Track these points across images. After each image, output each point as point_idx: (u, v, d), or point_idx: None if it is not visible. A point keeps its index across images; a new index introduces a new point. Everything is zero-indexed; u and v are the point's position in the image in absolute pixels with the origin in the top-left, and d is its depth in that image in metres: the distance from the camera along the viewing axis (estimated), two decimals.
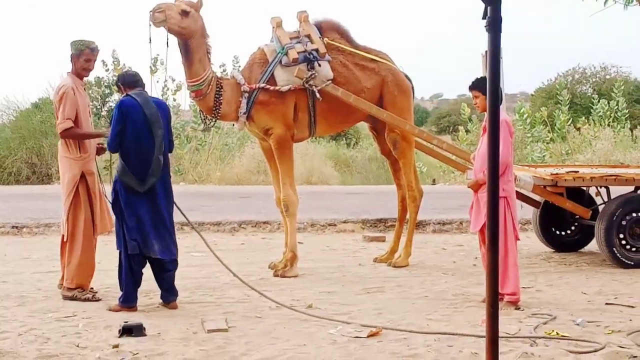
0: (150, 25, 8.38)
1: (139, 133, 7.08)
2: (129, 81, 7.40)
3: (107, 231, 7.87)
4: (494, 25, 3.44)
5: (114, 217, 7.37)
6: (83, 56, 7.68)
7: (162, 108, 7.34)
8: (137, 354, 5.66)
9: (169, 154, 7.51)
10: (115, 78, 23.89)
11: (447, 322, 6.60)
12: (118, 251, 7.19)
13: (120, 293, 7.12)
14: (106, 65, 24.10)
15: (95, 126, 7.90)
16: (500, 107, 7.04)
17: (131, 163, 7.09)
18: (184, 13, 8.40)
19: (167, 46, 8.60)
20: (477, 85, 7.56)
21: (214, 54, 8.82)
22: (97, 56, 7.84)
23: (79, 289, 7.51)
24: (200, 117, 9.46)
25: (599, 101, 26.50)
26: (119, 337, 6.07)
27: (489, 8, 3.42)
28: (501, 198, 7.08)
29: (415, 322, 6.57)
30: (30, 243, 11.68)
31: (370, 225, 13.27)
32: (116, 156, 7.39)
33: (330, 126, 9.72)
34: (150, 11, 8.32)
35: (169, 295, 7.22)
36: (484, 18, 3.46)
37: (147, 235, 7.07)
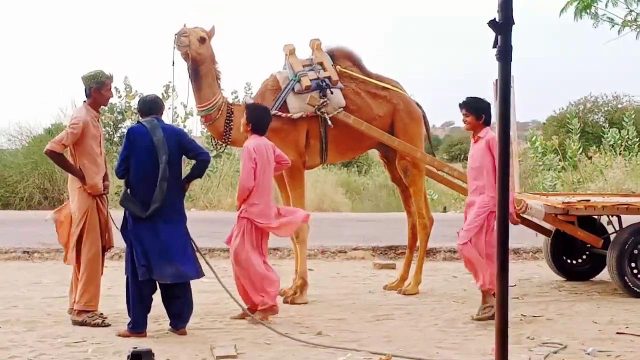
0: (174, 48, 8.49)
1: (144, 160, 7.13)
2: (142, 109, 7.51)
3: (111, 246, 7.91)
4: (504, 54, 3.45)
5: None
6: (105, 87, 7.73)
7: (171, 133, 7.34)
8: None
9: (208, 164, 7.67)
10: (127, 103, 24.14)
11: (457, 350, 6.57)
12: (126, 276, 7.21)
13: (130, 318, 7.13)
14: (119, 92, 24.20)
15: (107, 152, 7.95)
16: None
17: (136, 189, 7.15)
18: (202, 40, 8.52)
19: (173, 64, 8.67)
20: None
21: (225, 80, 8.90)
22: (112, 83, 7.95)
23: (89, 314, 7.52)
24: (212, 142, 9.50)
25: (609, 130, 26.47)
26: None
27: (499, 37, 3.44)
28: (243, 219, 7.67)
29: (425, 350, 6.54)
30: (40, 268, 11.71)
31: (381, 253, 13.25)
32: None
33: (341, 153, 9.75)
34: (176, 34, 8.42)
35: (178, 321, 7.22)
36: (494, 47, 3.47)
37: (155, 260, 7.07)
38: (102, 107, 8.00)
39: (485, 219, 7.74)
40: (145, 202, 7.08)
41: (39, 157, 22.87)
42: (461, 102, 8.03)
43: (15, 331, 7.25)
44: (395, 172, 9.77)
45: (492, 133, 7.79)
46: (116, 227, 7.75)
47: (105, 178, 7.80)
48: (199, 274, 7.34)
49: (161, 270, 7.08)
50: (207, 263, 7.81)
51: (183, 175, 7.44)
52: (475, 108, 7.86)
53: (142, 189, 7.12)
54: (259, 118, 7.91)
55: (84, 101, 7.79)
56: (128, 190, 7.21)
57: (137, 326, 7.09)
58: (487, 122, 7.93)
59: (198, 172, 7.60)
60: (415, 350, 6.51)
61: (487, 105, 8.02)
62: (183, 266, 7.20)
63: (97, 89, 7.69)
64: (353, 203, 23.74)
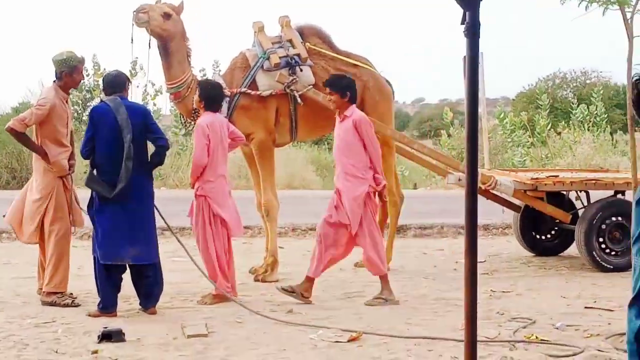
0: (132, 25, 8.38)
1: (109, 139, 7.07)
2: (105, 86, 7.44)
3: (81, 226, 7.85)
4: (473, 30, 3.44)
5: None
6: (76, 71, 7.67)
7: (135, 112, 7.26)
8: (116, 359, 5.64)
9: (166, 151, 7.54)
10: (96, 81, 23.89)
11: (427, 326, 6.61)
12: (93, 256, 7.17)
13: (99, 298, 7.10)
14: (87, 70, 23.94)
15: (76, 130, 7.88)
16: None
17: (101, 169, 7.10)
18: (166, 15, 8.42)
19: (149, 48, 8.58)
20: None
21: (194, 57, 8.82)
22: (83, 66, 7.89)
23: (58, 295, 7.47)
24: (181, 121, 9.44)
25: (578, 106, 26.63)
26: (98, 342, 6.05)
27: (467, 13, 3.42)
28: (199, 197, 7.62)
29: (396, 326, 6.58)
30: (10, 248, 11.58)
31: None
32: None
33: (311, 131, 9.73)
34: (134, 11, 8.33)
35: (148, 301, 7.20)
36: (462, 23, 3.46)
37: (119, 241, 7.02)
38: (74, 88, 7.90)
39: (364, 206, 7.60)
40: (111, 182, 7.01)
41: (6, 136, 22.59)
42: (325, 82, 7.97)
43: None
44: None
45: (358, 112, 7.70)
46: (80, 207, 7.71)
47: (71, 157, 7.73)
48: (154, 258, 7.27)
49: (126, 252, 7.04)
50: (180, 241, 7.80)
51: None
52: (338, 86, 7.64)
53: (108, 168, 7.06)
54: (211, 94, 7.79)
55: (54, 81, 7.69)
56: (94, 171, 7.14)
57: (107, 306, 7.06)
58: (353, 100, 7.71)
59: (157, 158, 7.46)
60: (386, 327, 6.54)
61: (350, 83, 7.80)
62: (146, 247, 7.17)
63: (69, 73, 7.61)
64: (324, 180, 23.68)
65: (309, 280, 7.65)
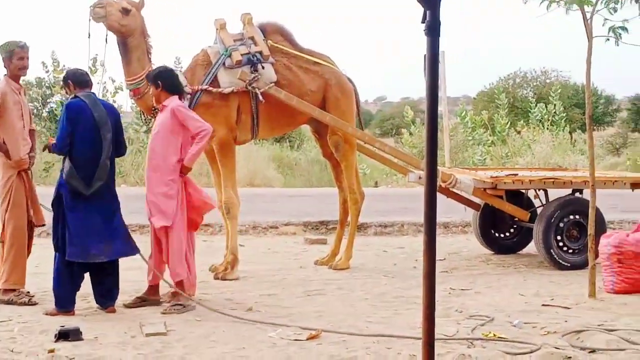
0: (90, 20, 8.29)
1: (87, 136, 7.00)
2: (80, 80, 7.29)
3: (41, 224, 7.74)
4: (433, 29, 3.45)
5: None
6: (15, 56, 7.54)
7: (111, 111, 7.27)
8: (73, 358, 5.58)
9: (122, 157, 7.54)
10: (55, 78, 23.55)
11: (387, 324, 6.62)
12: (55, 254, 7.08)
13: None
14: (46, 66, 23.72)
15: (36, 127, 7.77)
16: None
17: (78, 166, 6.99)
18: (125, 11, 8.32)
19: (106, 42, 8.49)
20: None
21: (155, 54, 8.73)
22: (28, 53, 7.68)
23: (15, 293, 7.38)
24: (142, 118, 9.36)
25: (536, 105, 26.89)
26: (55, 341, 5.96)
27: (427, 12, 3.43)
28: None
29: (355, 324, 6.57)
30: None
31: (312, 228, 13.28)
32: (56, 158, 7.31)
33: (273, 128, 9.70)
34: (91, 6, 8.24)
35: (107, 299, 7.13)
36: (423, 21, 3.47)
37: (93, 238, 6.97)
38: (21, 78, 7.77)
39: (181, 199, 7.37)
40: (87, 179, 6.96)
41: None
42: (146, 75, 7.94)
43: None
44: (326, 147, 9.75)
45: (177, 101, 7.47)
46: (43, 205, 7.62)
47: (30, 150, 7.63)
48: (134, 250, 7.25)
49: (98, 249, 6.98)
50: (132, 240, 7.62)
51: None
52: (152, 77, 7.58)
53: (84, 165, 6.99)
54: (167, 76, 7.62)
55: (5, 75, 7.62)
56: (72, 167, 7.04)
57: (65, 304, 6.98)
58: (170, 90, 7.49)
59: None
60: (346, 325, 6.53)
61: (165, 73, 7.62)
62: (119, 243, 7.11)
63: (8, 58, 7.53)
64: (285, 178, 23.73)
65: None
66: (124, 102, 25.10)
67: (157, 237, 7.41)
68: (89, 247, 6.96)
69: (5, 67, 7.60)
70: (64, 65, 23.26)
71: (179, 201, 7.31)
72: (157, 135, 7.41)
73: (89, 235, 6.96)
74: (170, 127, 7.33)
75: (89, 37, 8.40)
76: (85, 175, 6.97)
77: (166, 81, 7.51)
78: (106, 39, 8.47)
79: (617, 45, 7.49)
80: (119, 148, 7.38)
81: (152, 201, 7.32)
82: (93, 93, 7.26)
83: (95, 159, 6.98)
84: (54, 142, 7.20)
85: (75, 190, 6.97)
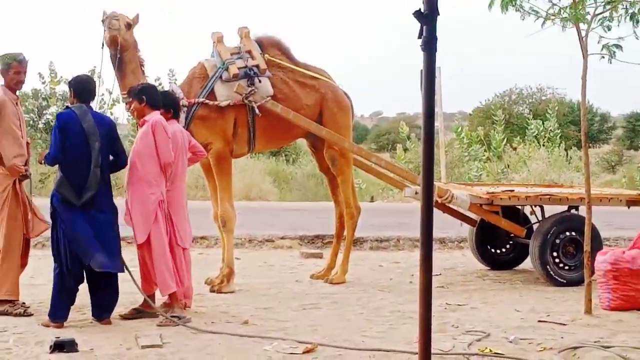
0: (105, 30, 8.28)
1: (76, 146, 7.00)
2: (75, 91, 7.30)
3: (37, 235, 7.73)
4: (429, 44, 3.47)
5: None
6: (12, 69, 7.60)
7: (103, 122, 7.27)
8: None
9: (123, 168, 7.52)
10: (52, 89, 23.55)
11: (383, 338, 6.61)
12: (54, 265, 7.07)
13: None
14: (43, 78, 23.73)
15: (31, 138, 7.79)
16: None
17: (69, 175, 7.00)
18: (128, 26, 8.36)
19: (102, 47, 8.44)
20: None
21: (148, 67, 8.74)
22: (26, 67, 7.73)
23: (10, 304, 7.37)
24: (137, 129, 9.36)
25: (532, 121, 26.97)
26: (50, 353, 5.96)
27: (424, 27, 3.45)
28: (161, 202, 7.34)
29: (351, 338, 6.57)
30: None
31: (308, 242, 13.28)
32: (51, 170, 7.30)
33: (269, 142, 9.71)
34: (107, 17, 8.24)
35: (102, 311, 7.12)
36: (419, 37, 3.49)
37: (87, 248, 6.95)
38: (18, 90, 7.80)
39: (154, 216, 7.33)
40: (78, 189, 6.97)
41: None
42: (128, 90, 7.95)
43: None
44: (323, 161, 9.77)
45: (158, 116, 7.48)
46: (39, 217, 7.62)
47: (25, 163, 7.63)
48: (119, 268, 7.17)
49: (95, 258, 6.96)
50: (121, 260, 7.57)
51: None
52: (135, 92, 7.62)
53: (74, 175, 7.00)
54: (148, 91, 7.67)
55: (2, 84, 7.66)
56: (63, 177, 7.05)
57: (60, 315, 6.97)
58: (153, 105, 7.53)
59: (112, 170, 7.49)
60: (341, 339, 6.52)
61: (145, 88, 7.72)
62: (106, 258, 7.07)
63: (6, 70, 7.59)
64: (281, 192, 23.76)
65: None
66: (121, 114, 25.12)
67: (141, 252, 7.41)
68: (86, 255, 6.94)
69: (2, 77, 7.64)
70: (61, 77, 23.28)
71: (157, 215, 7.33)
72: (135, 149, 7.42)
73: (84, 243, 6.96)
74: (147, 141, 7.33)
75: (102, 47, 8.39)
76: (76, 185, 6.97)
77: (150, 96, 7.56)
78: (102, 50, 8.44)
79: (611, 62, 7.52)
80: (118, 158, 7.37)
81: (130, 217, 7.37)
82: (85, 105, 7.22)
83: (85, 169, 6.98)
84: (47, 152, 7.24)
85: (67, 200, 6.98)
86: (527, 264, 10.33)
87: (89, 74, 21.04)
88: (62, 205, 7.02)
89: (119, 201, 7.46)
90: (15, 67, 7.62)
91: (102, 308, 7.14)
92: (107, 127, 7.28)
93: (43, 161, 7.47)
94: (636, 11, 7.37)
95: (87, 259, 6.95)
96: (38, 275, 8.43)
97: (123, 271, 7.22)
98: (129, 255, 8.01)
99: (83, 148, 7.00)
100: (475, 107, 39.93)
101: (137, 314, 7.37)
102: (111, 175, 7.44)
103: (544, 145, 25.47)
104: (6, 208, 7.42)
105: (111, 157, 7.30)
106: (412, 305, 7.92)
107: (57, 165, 7.23)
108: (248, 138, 9.11)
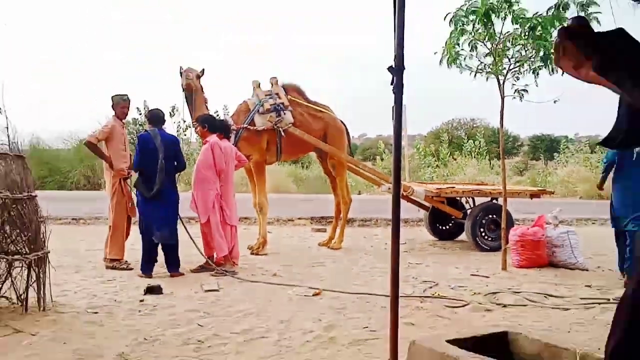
0: (182, 79, 8.30)
1: (149, 157, 7.03)
2: (149, 119, 7.36)
3: (135, 216, 7.76)
4: (399, 89, 3.46)
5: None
6: (120, 105, 7.62)
7: (168, 141, 7.22)
8: (156, 306, 5.58)
9: (183, 171, 7.53)
10: (145, 119, 23.59)
11: (366, 286, 6.60)
12: (141, 236, 7.10)
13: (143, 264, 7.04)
14: (139, 110, 23.87)
15: (132, 151, 7.78)
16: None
17: (144, 177, 7.04)
18: (198, 77, 8.38)
19: (184, 91, 8.42)
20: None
21: (210, 103, 8.76)
22: (129, 104, 7.76)
23: (117, 261, 7.39)
24: (201, 147, 9.35)
25: (467, 141, 26.92)
26: (144, 294, 5.98)
27: (395, 78, 3.44)
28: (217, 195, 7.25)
29: (345, 286, 6.56)
30: (85, 230, 11.46)
31: (316, 221, 13.26)
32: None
33: (291, 154, 9.70)
34: (184, 70, 8.31)
35: (171, 267, 7.13)
36: (391, 84, 3.47)
37: (155, 227, 6.98)
38: (123, 119, 7.82)
39: (211, 204, 7.32)
40: (149, 187, 6.99)
41: (84, 154, 22.52)
42: (196, 118, 7.87)
43: (66, 272, 7.08)
44: (326, 167, 9.78)
45: (215, 138, 7.49)
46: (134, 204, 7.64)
47: (127, 168, 7.65)
48: (174, 239, 7.12)
49: (159, 234, 6.99)
50: (185, 227, 7.57)
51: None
52: (200, 121, 7.62)
53: (148, 177, 7.02)
54: (209, 120, 7.67)
55: (114, 115, 7.68)
56: (140, 178, 7.09)
57: (145, 270, 7.01)
58: (212, 129, 7.55)
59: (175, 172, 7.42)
60: (339, 286, 6.51)
61: (208, 118, 7.68)
62: (167, 232, 7.07)
63: (116, 105, 7.63)
64: (298, 188, 23.70)
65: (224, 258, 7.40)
66: (191, 135, 25.16)
67: (203, 228, 7.42)
68: (154, 232, 6.98)
69: (114, 109, 7.65)
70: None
71: (214, 204, 7.32)
72: (199, 159, 7.45)
73: (152, 223, 6.98)
74: (207, 155, 7.36)
75: (183, 91, 8.41)
76: (148, 183, 6.99)
77: (210, 124, 7.58)
78: (183, 89, 8.44)
79: (521, 101, 7.51)
80: (179, 164, 7.34)
81: (195, 204, 7.36)
82: (159, 129, 7.21)
83: (154, 173, 7.00)
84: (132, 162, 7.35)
85: (142, 194, 7.01)
86: (463, 236, 10.31)
87: (170, 108, 21.05)
88: (140, 198, 7.04)
89: (187, 194, 7.45)
90: (122, 104, 7.64)
91: (172, 265, 7.14)
92: (172, 142, 7.27)
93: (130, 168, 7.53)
94: (536, 67, 7.37)
95: (152, 235, 6.97)
96: (137, 243, 8.42)
97: (176, 242, 7.14)
98: (195, 230, 8.02)
99: (154, 159, 7.01)
100: (428, 130, 39.84)
101: (201, 269, 7.38)
102: (181, 176, 7.44)
103: (475, 157, 25.40)
104: (115, 197, 7.46)
105: (175, 163, 7.30)
106: (386, 264, 7.93)
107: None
108: (276, 151, 9.11)
